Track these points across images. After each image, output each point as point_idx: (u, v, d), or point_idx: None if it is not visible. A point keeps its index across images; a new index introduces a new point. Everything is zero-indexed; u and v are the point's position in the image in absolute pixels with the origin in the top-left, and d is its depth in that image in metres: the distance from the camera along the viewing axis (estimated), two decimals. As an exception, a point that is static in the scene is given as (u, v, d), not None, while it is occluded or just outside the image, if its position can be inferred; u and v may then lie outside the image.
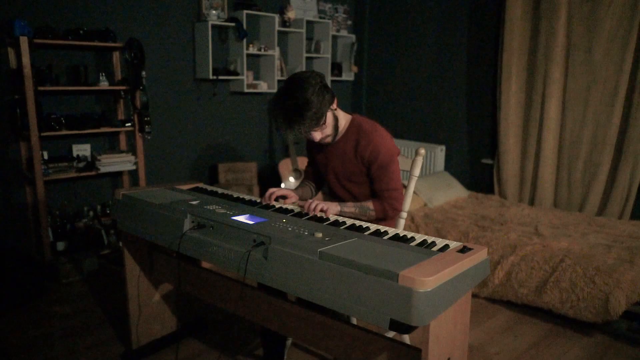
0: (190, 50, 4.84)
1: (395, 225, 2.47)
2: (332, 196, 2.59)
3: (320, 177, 2.69)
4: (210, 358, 2.83)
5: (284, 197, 2.42)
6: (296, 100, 2.14)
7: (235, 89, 5.16)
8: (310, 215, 2.17)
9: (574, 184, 4.59)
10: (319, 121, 2.21)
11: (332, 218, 2.15)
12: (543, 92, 4.63)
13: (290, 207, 2.30)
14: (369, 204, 2.36)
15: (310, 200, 2.23)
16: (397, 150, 2.39)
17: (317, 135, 2.29)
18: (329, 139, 2.36)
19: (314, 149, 2.58)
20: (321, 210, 2.19)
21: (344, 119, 2.42)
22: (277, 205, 2.31)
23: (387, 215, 2.39)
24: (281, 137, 5.71)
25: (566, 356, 2.94)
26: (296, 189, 2.60)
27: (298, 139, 5.06)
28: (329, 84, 5.68)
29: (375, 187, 2.39)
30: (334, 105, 2.31)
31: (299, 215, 2.16)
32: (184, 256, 2.47)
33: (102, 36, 4.03)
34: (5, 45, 3.69)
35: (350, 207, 2.33)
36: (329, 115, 2.29)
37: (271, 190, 2.36)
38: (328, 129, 2.31)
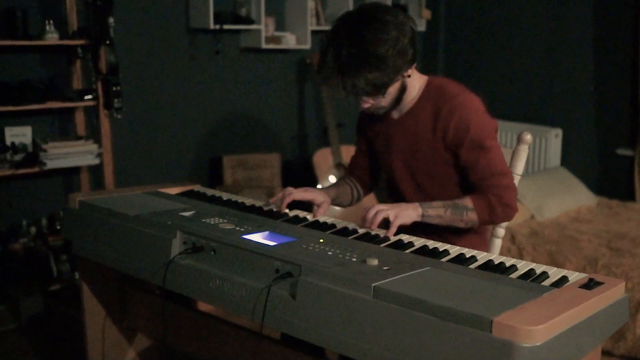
0: (181, -14, 4.91)
1: (487, 248, 2.47)
2: (396, 201, 2.57)
3: (374, 172, 2.71)
4: None
5: (309, 204, 2.44)
6: (360, 50, 2.16)
7: (249, 44, 5.21)
8: (371, 230, 2.18)
9: None
10: (379, 89, 2.24)
11: (406, 238, 2.14)
12: None
13: (330, 219, 2.32)
14: (466, 202, 2.31)
15: (371, 206, 2.22)
16: (494, 124, 2.37)
17: (365, 103, 2.32)
18: (382, 111, 2.38)
19: (370, 126, 2.58)
20: (385, 219, 2.18)
21: (419, 81, 2.41)
22: (310, 218, 2.33)
23: (495, 216, 2.33)
24: (320, 114, 5.73)
25: None
26: (329, 188, 2.60)
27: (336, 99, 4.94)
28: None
29: (472, 177, 2.35)
30: (411, 70, 2.31)
31: (344, 232, 2.18)
32: (172, 294, 2.51)
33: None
34: None
35: (437, 207, 2.30)
36: (396, 83, 2.29)
37: (289, 190, 2.39)
38: (385, 100, 2.32)
